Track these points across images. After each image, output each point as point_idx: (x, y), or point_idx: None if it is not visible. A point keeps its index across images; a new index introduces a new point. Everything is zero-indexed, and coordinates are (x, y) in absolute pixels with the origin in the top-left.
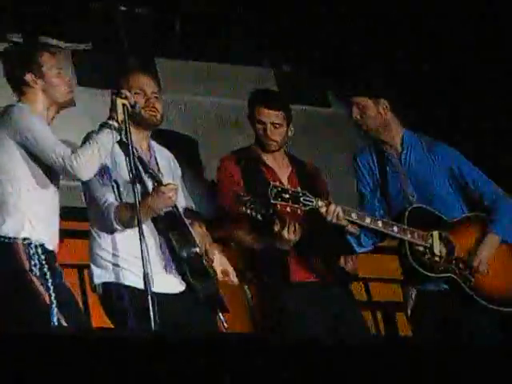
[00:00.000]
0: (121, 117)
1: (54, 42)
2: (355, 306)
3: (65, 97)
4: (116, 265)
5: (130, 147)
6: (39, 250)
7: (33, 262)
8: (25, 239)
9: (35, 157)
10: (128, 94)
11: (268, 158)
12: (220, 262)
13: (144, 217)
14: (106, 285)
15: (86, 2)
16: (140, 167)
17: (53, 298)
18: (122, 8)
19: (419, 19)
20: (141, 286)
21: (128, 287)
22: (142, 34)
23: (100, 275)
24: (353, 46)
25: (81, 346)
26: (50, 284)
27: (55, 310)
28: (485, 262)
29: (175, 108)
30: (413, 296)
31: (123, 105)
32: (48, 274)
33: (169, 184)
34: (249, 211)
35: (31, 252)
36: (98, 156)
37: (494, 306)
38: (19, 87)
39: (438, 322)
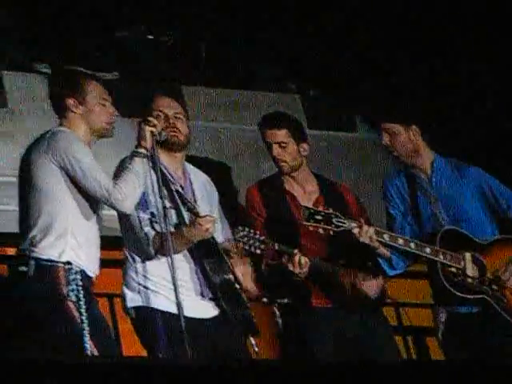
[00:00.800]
0: (149, 144)
1: (81, 71)
2: (385, 330)
3: (104, 127)
4: (149, 289)
5: (159, 174)
6: (78, 276)
7: (70, 288)
8: (66, 263)
9: (79, 184)
10: (156, 121)
11: (291, 184)
12: (249, 282)
13: (180, 247)
14: (138, 308)
15: (112, 30)
16: (177, 197)
17: (85, 325)
18: (149, 36)
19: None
20: (174, 310)
21: (161, 311)
22: (168, 62)
23: (133, 299)
24: (379, 72)
25: (112, 374)
26: (84, 311)
27: (87, 338)
28: None
29: (203, 135)
30: (443, 319)
31: (151, 132)
32: (83, 300)
33: (206, 216)
34: (247, 247)
35: (71, 277)
36: (138, 187)
37: None
38: (61, 111)
39: (470, 344)
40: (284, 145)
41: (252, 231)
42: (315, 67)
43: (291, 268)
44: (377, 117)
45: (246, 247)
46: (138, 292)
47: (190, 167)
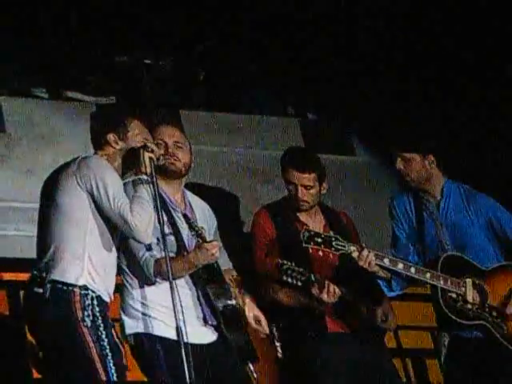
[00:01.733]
0: (148, 170)
1: (79, 96)
2: (388, 356)
3: (138, 165)
4: (148, 316)
5: (157, 200)
6: (95, 302)
7: (86, 313)
8: (82, 287)
9: (102, 210)
10: (154, 147)
11: (301, 213)
12: (252, 310)
13: (184, 272)
14: (137, 335)
15: (111, 55)
16: (184, 221)
17: (108, 350)
18: (147, 61)
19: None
20: (173, 336)
21: (160, 338)
22: (166, 87)
23: (132, 326)
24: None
25: None
26: (104, 336)
27: (111, 363)
28: None
29: (201, 159)
30: (445, 343)
31: (150, 158)
32: (102, 326)
33: (212, 241)
34: (290, 279)
35: (86, 302)
36: (152, 216)
37: None
38: (100, 144)
39: (472, 369)
40: (310, 188)
41: (291, 263)
42: (315, 91)
43: (325, 298)
44: (395, 148)
45: (289, 280)
46: (137, 318)
47: (189, 194)
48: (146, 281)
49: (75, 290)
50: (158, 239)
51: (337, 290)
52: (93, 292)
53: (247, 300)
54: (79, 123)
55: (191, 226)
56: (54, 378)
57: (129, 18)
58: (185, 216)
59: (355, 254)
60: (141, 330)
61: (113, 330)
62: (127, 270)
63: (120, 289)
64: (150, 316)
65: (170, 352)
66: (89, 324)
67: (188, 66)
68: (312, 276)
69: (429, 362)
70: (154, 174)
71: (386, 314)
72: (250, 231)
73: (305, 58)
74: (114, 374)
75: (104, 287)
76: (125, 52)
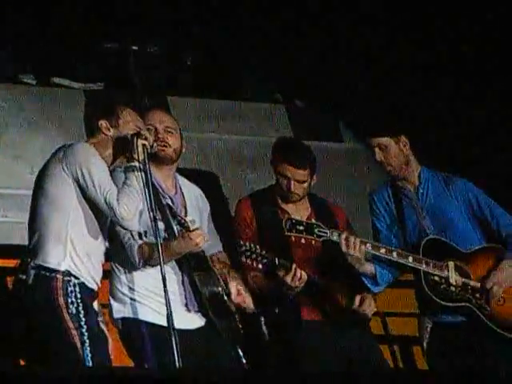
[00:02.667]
0: (141, 157)
1: (68, 82)
2: (372, 341)
3: (130, 153)
4: (136, 300)
5: (150, 187)
6: (77, 289)
7: (70, 300)
8: (65, 273)
9: (88, 196)
10: (148, 135)
11: (287, 203)
12: (236, 286)
13: (167, 258)
14: (125, 320)
15: (98, 42)
16: (167, 210)
17: (86, 337)
18: (134, 47)
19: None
20: (160, 321)
21: (147, 323)
22: (154, 73)
23: (119, 310)
24: (363, 82)
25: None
26: (83, 323)
27: (88, 350)
28: (498, 285)
29: (188, 146)
30: (428, 329)
31: (143, 145)
32: (83, 313)
33: (196, 230)
34: (249, 261)
35: (69, 289)
36: (140, 204)
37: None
38: (91, 130)
39: (455, 353)
40: (303, 182)
41: (253, 246)
42: (302, 78)
43: (289, 281)
44: (365, 129)
45: (249, 261)
46: (124, 303)
47: (182, 180)
48: (131, 266)
49: (58, 276)
50: (146, 224)
51: (304, 274)
52: (76, 278)
53: (233, 281)
54: (67, 110)
55: (174, 215)
56: (40, 364)
57: (116, 4)
58: (168, 205)
59: (343, 241)
60: (128, 314)
61: (98, 318)
62: (115, 255)
63: (109, 274)
64: (137, 301)
65: (157, 337)
66: (73, 311)
67: (176, 52)
68: (276, 260)
69: (416, 349)
70: (146, 161)
71: (364, 300)
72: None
73: (292, 45)
74: (90, 362)
75: (88, 274)
76: (113, 38)
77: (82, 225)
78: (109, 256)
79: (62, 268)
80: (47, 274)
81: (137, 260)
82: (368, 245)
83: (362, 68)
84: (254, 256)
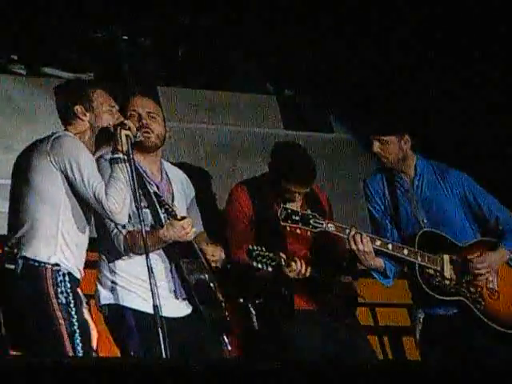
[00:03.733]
0: (125, 147)
1: (57, 72)
2: (361, 332)
3: (108, 140)
4: (123, 287)
5: (134, 176)
6: (66, 278)
7: (59, 290)
8: (55, 265)
9: (76, 189)
10: (131, 124)
11: (273, 190)
12: (212, 250)
13: (153, 246)
14: (111, 306)
15: (87, 31)
16: (154, 198)
17: (76, 327)
18: (124, 37)
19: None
20: (147, 309)
21: (134, 310)
22: (144, 63)
23: (106, 296)
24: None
25: (93, 375)
26: (74, 313)
27: (79, 340)
28: (486, 265)
29: (178, 136)
30: (421, 320)
31: (126, 136)
32: (73, 302)
33: (184, 218)
34: (260, 265)
35: (59, 279)
36: (128, 197)
37: (506, 328)
38: (67, 118)
39: (447, 345)
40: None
41: (263, 249)
42: (292, 68)
43: (291, 275)
44: (371, 131)
45: (259, 265)
46: (112, 290)
47: (167, 165)
48: (116, 254)
49: (47, 266)
50: (132, 212)
51: (307, 267)
52: (65, 269)
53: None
54: None
55: (161, 203)
56: (27, 353)
57: None
58: (155, 194)
59: (334, 231)
60: (115, 301)
61: (83, 308)
62: (103, 243)
63: (96, 263)
64: (124, 288)
65: (144, 325)
66: (63, 301)
67: (166, 42)
68: (282, 260)
69: (405, 339)
70: (130, 151)
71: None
72: (225, 207)
73: (283, 35)
74: (80, 352)
75: (75, 264)
76: (103, 28)
77: (71, 216)
78: (97, 244)
79: (52, 261)
80: (36, 264)
81: (122, 248)
82: (378, 241)
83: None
84: (264, 260)
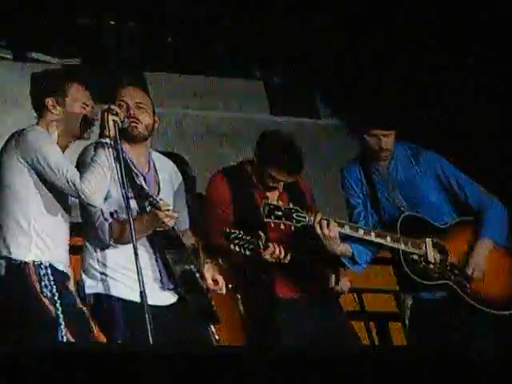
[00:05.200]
0: (112, 133)
1: (44, 57)
2: (344, 319)
3: (79, 130)
4: (108, 276)
5: (122, 164)
6: (49, 271)
7: (43, 283)
8: (34, 261)
9: (46, 180)
10: (118, 110)
11: (258, 178)
12: (210, 271)
13: (138, 235)
14: (97, 296)
15: (73, 16)
16: (138, 187)
17: (61, 319)
18: (111, 22)
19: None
20: (133, 298)
21: (120, 299)
22: (130, 49)
23: (92, 286)
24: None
25: (83, 360)
26: (58, 305)
27: (63, 331)
28: (479, 269)
29: (165, 121)
30: (409, 305)
31: (114, 121)
32: (57, 295)
33: (166, 209)
34: (238, 248)
35: (42, 273)
36: (105, 180)
37: (491, 309)
38: (39, 109)
39: (436, 330)
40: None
41: (242, 233)
42: (280, 53)
43: (269, 258)
44: (360, 119)
45: (237, 249)
46: (97, 279)
47: (156, 155)
48: (101, 243)
49: (29, 263)
50: (112, 200)
51: (282, 251)
52: (45, 261)
53: (206, 264)
54: None
55: (146, 196)
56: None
57: None
58: (140, 186)
59: (317, 226)
60: (101, 290)
61: (77, 299)
62: (87, 232)
63: (81, 250)
64: (110, 277)
65: (130, 313)
66: (48, 294)
67: (153, 28)
68: (260, 243)
69: (392, 325)
70: (117, 136)
71: (338, 277)
72: (205, 195)
73: (272, 20)
74: (64, 340)
75: (54, 256)
76: (90, 13)
77: (44, 211)
78: (82, 232)
79: (30, 259)
80: (18, 262)
81: (107, 238)
82: (346, 227)
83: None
84: (241, 243)
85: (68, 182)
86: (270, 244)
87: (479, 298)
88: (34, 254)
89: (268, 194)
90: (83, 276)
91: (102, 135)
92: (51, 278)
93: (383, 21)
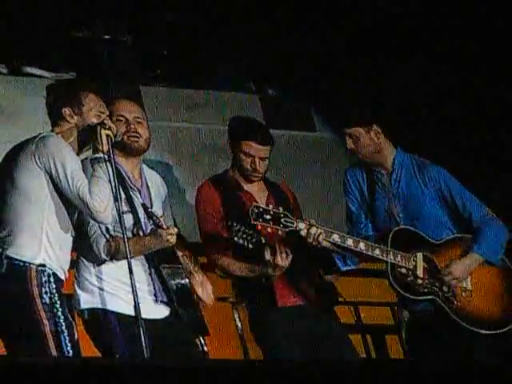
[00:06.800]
0: (106, 148)
1: (39, 71)
2: (341, 329)
3: (92, 140)
4: (104, 290)
5: (115, 178)
6: (51, 279)
7: (44, 290)
8: (39, 265)
9: (61, 190)
10: (111, 124)
11: (246, 184)
12: (198, 276)
13: (137, 253)
14: (93, 310)
15: (68, 30)
16: (139, 199)
17: (64, 327)
18: (106, 36)
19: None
20: (128, 311)
21: (117, 313)
22: (126, 62)
23: (87, 300)
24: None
25: (78, 375)
26: (61, 313)
27: (67, 340)
28: (459, 279)
29: (160, 134)
30: (406, 318)
31: (107, 135)
32: (58, 303)
33: (169, 228)
34: (241, 241)
35: (43, 279)
36: (110, 195)
37: (479, 328)
38: (55, 118)
39: (431, 343)
40: (265, 159)
41: (243, 226)
42: (274, 67)
43: (279, 261)
44: (338, 119)
45: (241, 241)
46: (93, 293)
47: (145, 168)
48: (96, 259)
49: (32, 266)
50: (113, 216)
51: (289, 251)
52: (49, 269)
53: (195, 268)
54: (39, 99)
55: (148, 214)
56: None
57: None
58: (143, 205)
59: (304, 232)
60: (97, 304)
61: (66, 309)
62: (83, 246)
63: (75, 264)
64: (105, 291)
65: (127, 327)
66: (47, 301)
67: (148, 41)
68: (262, 238)
69: (389, 338)
70: (111, 151)
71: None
72: (195, 206)
73: (267, 34)
74: (70, 351)
75: (59, 265)
76: (85, 27)
77: (55, 217)
78: (76, 246)
79: (37, 261)
80: (21, 263)
81: (103, 254)
82: (335, 236)
83: (336, 56)
84: (245, 236)
85: (79, 194)
86: (277, 244)
87: (466, 315)
88: (42, 258)
89: (256, 197)
90: (78, 291)
91: (95, 150)
92: (53, 286)
93: (380, 32)
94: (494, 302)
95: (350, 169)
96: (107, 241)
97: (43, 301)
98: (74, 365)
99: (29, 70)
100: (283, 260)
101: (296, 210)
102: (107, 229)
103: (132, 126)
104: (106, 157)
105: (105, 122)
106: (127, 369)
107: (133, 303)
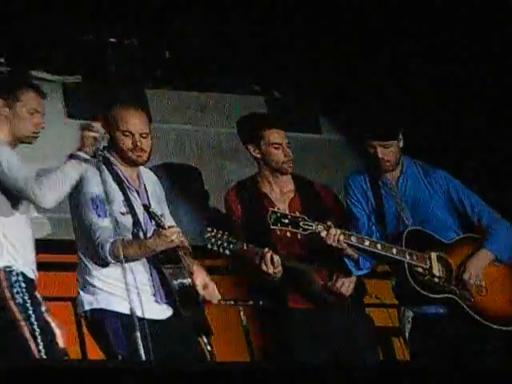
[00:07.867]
0: (89, 149)
1: (44, 74)
2: (365, 329)
3: (25, 134)
4: (107, 291)
5: (100, 180)
6: (20, 278)
7: (15, 290)
8: (6, 267)
9: (3, 184)
10: (99, 127)
11: (270, 186)
12: (200, 277)
13: (142, 255)
14: (95, 311)
15: (74, 33)
16: (138, 200)
17: (35, 326)
18: (111, 39)
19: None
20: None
21: (119, 314)
22: (131, 65)
23: (90, 301)
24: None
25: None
26: (31, 313)
27: (39, 339)
28: (475, 274)
29: (167, 138)
30: (410, 319)
31: (94, 138)
32: (29, 302)
33: (171, 227)
34: (215, 248)
35: (13, 279)
36: (63, 186)
37: (495, 325)
38: None
39: (437, 344)
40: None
41: (221, 232)
42: (280, 69)
43: (264, 268)
44: (372, 137)
45: (215, 248)
46: (95, 295)
47: (141, 168)
48: (100, 261)
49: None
50: (111, 217)
51: (276, 258)
52: (16, 269)
53: (195, 267)
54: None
55: (151, 215)
56: None
57: None
58: (145, 206)
59: (323, 234)
60: (99, 305)
61: (43, 308)
62: (84, 248)
63: (77, 266)
64: (108, 292)
65: (129, 327)
66: (20, 301)
67: (154, 44)
68: (244, 245)
69: (395, 340)
70: (99, 152)
71: (338, 279)
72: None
73: (272, 36)
74: (43, 352)
75: (26, 264)
76: (90, 30)
77: (10, 217)
78: (78, 249)
79: (2, 264)
80: None
81: (109, 257)
82: (353, 237)
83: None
84: (219, 243)
85: (20, 181)
86: (265, 251)
87: (482, 313)
88: (6, 260)
89: (276, 200)
90: (81, 292)
91: (77, 149)
92: (23, 286)
93: (384, 34)
94: (506, 299)
95: (352, 175)
96: (112, 244)
97: (16, 301)
98: (73, 367)
99: (34, 73)
100: (268, 267)
101: (335, 210)
102: (111, 232)
103: (138, 144)
104: (85, 156)
105: (93, 124)
106: (127, 372)
107: (136, 304)
